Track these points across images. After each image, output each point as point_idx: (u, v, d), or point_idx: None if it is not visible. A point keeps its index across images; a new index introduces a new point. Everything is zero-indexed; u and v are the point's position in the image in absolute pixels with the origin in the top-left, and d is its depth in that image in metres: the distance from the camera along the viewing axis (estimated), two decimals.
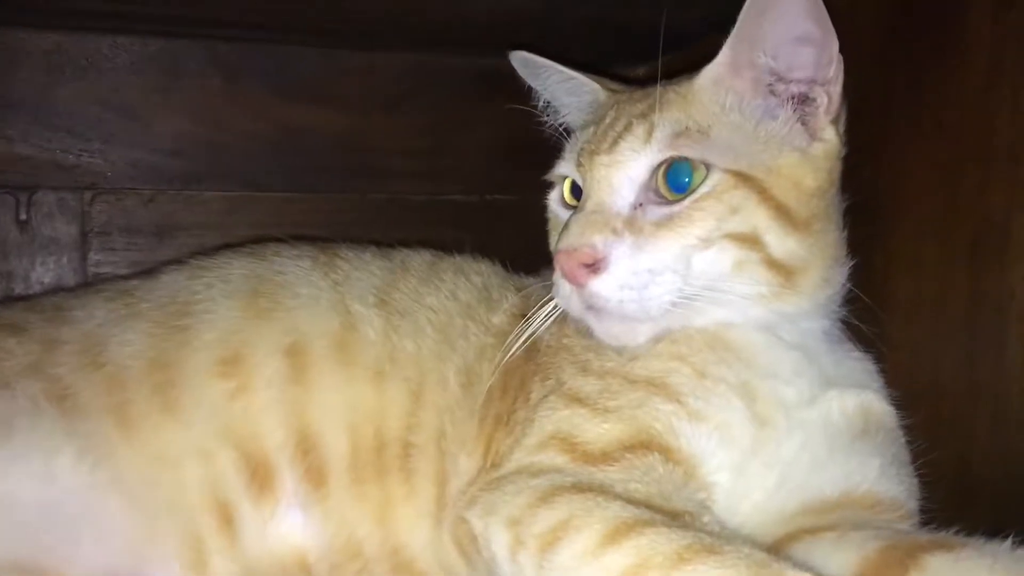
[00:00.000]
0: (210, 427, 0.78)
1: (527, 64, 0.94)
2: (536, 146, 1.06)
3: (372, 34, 1.14)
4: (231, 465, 0.77)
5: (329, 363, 0.81)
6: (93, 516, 0.73)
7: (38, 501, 0.72)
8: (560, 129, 0.98)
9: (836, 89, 0.80)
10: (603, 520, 0.68)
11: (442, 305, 0.89)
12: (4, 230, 1.08)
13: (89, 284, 1.01)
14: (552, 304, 0.81)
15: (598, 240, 0.75)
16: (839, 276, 0.84)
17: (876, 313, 0.87)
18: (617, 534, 0.66)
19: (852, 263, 0.86)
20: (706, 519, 0.71)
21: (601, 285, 0.75)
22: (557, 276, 0.79)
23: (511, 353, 0.83)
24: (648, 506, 0.70)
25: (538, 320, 0.82)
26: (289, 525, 0.78)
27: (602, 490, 0.71)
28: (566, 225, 0.79)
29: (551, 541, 0.68)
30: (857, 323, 0.86)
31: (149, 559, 0.73)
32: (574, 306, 0.78)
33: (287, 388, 0.79)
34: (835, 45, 0.78)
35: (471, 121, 1.26)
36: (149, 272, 0.90)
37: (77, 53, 1.08)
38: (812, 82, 0.80)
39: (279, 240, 0.96)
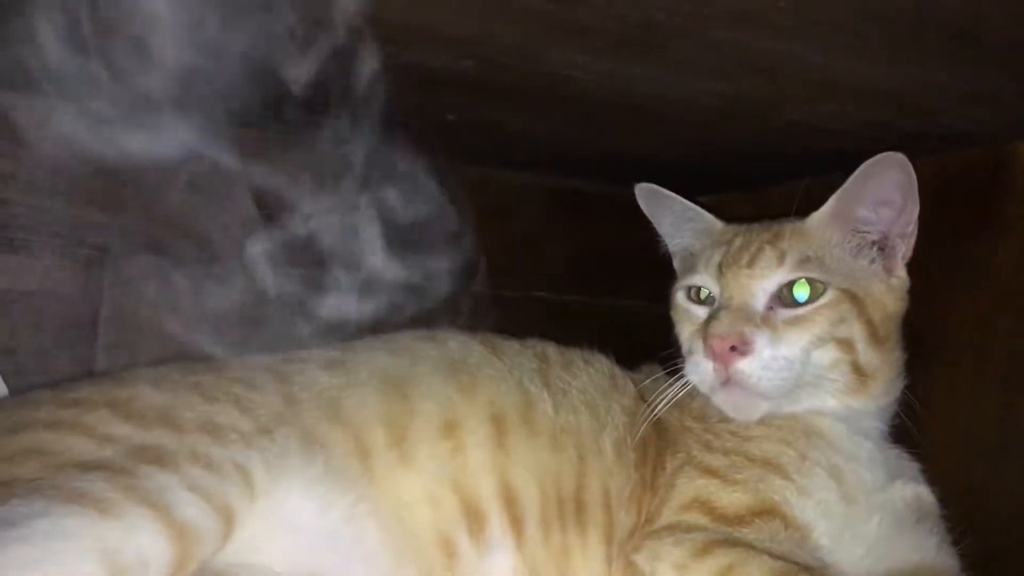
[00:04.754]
0: (438, 478, 0.91)
1: (653, 194, 1.13)
2: (603, 259, 1.27)
3: (483, 152, 1.34)
4: (455, 509, 0.91)
5: (520, 432, 0.96)
6: (360, 543, 0.85)
7: (318, 528, 0.84)
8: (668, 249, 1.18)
9: (911, 242, 1.03)
10: (760, 568, 0.85)
11: (585, 387, 1.06)
12: None
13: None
14: (679, 385, 0.99)
15: (746, 330, 0.94)
16: (896, 389, 1.04)
17: (919, 424, 1.09)
18: None
19: (906, 382, 1.05)
20: (834, 572, 0.90)
21: (747, 364, 0.93)
22: (698, 356, 0.97)
23: (643, 428, 1.01)
24: (785, 561, 0.89)
25: (663, 401, 1.00)
26: (496, 563, 0.91)
27: (749, 546, 0.90)
28: (715, 317, 0.97)
29: None
30: (911, 426, 1.08)
31: None
32: (707, 381, 0.97)
33: (493, 450, 0.94)
34: (916, 210, 1.00)
35: (557, 232, 1.46)
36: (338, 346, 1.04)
37: None
38: (893, 235, 1.01)
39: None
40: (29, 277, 1.10)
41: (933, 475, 1.07)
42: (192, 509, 0.75)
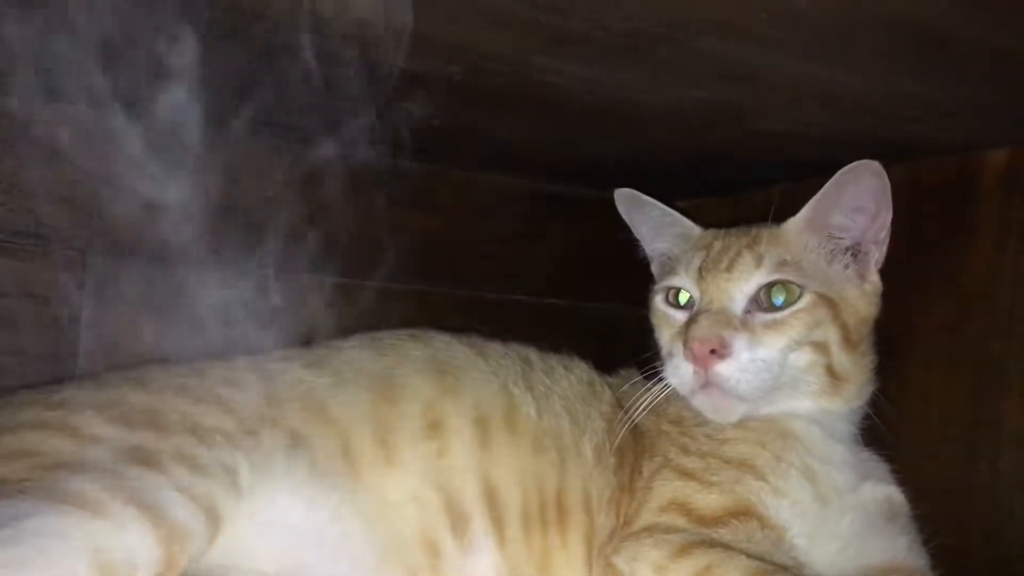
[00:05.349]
0: (423, 478, 0.93)
1: (632, 199, 1.14)
2: (584, 263, 1.28)
3: (467, 156, 1.35)
4: (439, 509, 0.92)
5: (503, 434, 0.98)
6: (346, 543, 0.86)
7: (304, 528, 0.85)
8: (646, 253, 1.20)
9: (884, 248, 1.05)
10: (738, 567, 0.87)
11: (566, 393, 1.07)
12: None
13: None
14: (657, 390, 1.01)
15: (725, 333, 0.96)
16: (867, 392, 1.07)
17: (890, 427, 1.12)
18: None
19: (877, 386, 1.08)
20: (809, 571, 0.92)
21: (726, 367, 0.95)
22: (678, 359, 0.99)
23: (621, 434, 1.03)
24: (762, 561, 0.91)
25: (641, 407, 1.02)
26: (479, 563, 0.93)
27: (726, 546, 0.91)
28: (694, 320, 0.99)
29: None
30: (883, 428, 1.10)
31: None
32: (687, 383, 0.98)
33: (477, 451, 0.96)
34: (889, 217, 1.03)
35: (539, 236, 1.47)
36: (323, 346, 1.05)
37: None
38: (866, 241, 1.03)
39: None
40: (9, 279, 1.10)
41: (903, 476, 1.10)
42: (180, 510, 0.75)
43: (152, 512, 0.73)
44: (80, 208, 1.13)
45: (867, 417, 1.09)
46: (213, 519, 0.78)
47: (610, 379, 1.16)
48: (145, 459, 0.79)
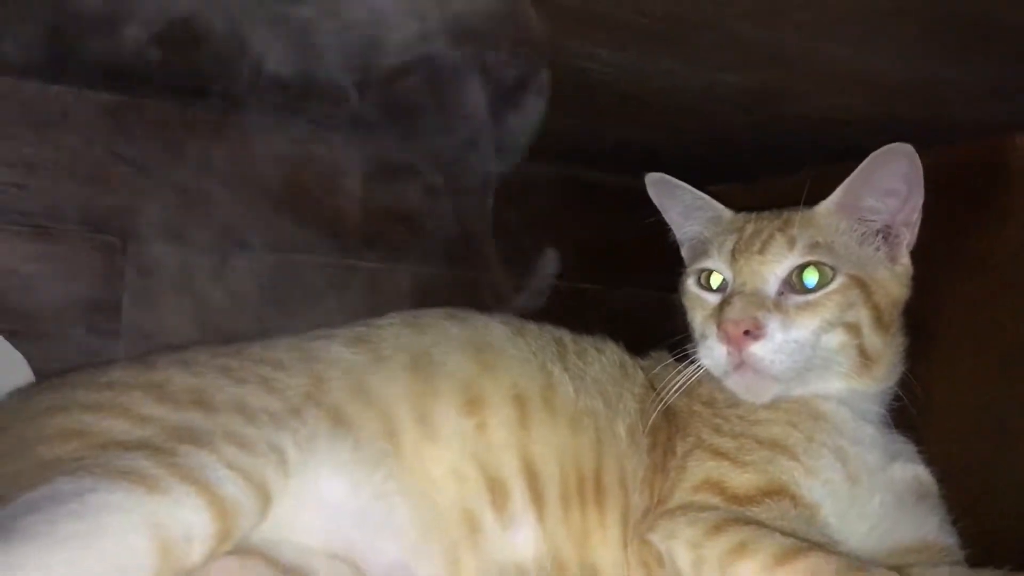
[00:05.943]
0: (463, 454, 0.94)
1: (663, 183, 1.14)
2: (613, 248, 1.29)
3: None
4: (479, 485, 0.94)
5: (542, 412, 0.99)
6: (389, 520, 0.88)
7: (349, 506, 0.87)
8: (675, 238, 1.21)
9: (915, 230, 1.06)
10: (772, 544, 0.88)
11: (598, 375, 1.08)
12: None
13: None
14: (690, 371, 1.02)
15: (759, 314, 0.97)
16: (896, 374, 1.08)
17: (919, 408, 1.13)
18: (786, 556, 0.86)
19: (905, 367, 1.09)
20: (842, 548, 0.93)
21: (760, 348, 0.96)
22: (712, 340, 1.00)
23: (655, 415, 1.05)
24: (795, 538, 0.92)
25: (674, 388, 1.03)
26: (518, 538, 0.94)
27: (760, 524, 0.93)
28: (728, 302, 1.00)
29: (731, 561, 0.88)
30: (912, 411, 1.11)
31: (423, 556, 0.89)
32: (720, 364, 1.00)
33: (515, 428, 0.97)
34: (920, 200, 1.04)
35: (566, 221, 1.48)
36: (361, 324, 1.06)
37: None
38: (897, 223, 1.04)
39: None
40: (52, 263, 1.12)
41: (932, 458, 1.11)
42: (232, 486, 0.77)
43: (206, 488, 0.75)
44: (120, 192, 1.14)
45: (896, 398, 1.10)
46: (263, 496, 0.79)
47: (642, 361, 1.17)
48: (195, 438, 0.80)
